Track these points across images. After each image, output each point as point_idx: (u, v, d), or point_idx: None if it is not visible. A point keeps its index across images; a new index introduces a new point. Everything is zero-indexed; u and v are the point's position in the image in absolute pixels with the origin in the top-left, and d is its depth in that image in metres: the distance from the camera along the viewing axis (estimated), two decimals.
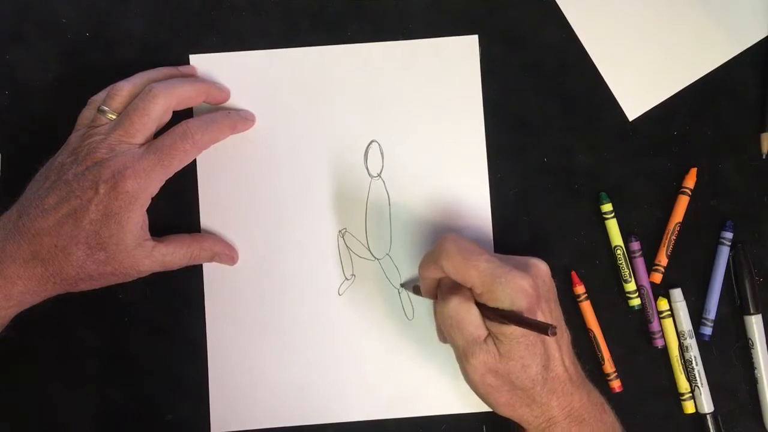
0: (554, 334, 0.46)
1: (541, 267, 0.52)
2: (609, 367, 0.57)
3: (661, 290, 0.58)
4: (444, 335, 0.53)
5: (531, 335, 0.50)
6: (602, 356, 0.57)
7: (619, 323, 0.58)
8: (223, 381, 0.58)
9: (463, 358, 0.51)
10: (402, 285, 0.58)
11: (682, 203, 0.58)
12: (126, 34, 0.60)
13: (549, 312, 0.51)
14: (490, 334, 0.50)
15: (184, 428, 0.58)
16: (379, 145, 0.59)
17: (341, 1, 0.60)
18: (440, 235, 0.58)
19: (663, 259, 0.58)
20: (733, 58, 0.59)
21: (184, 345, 0.58)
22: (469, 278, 0.50)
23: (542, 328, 0.46)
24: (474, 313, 0.50)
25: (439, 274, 0.52)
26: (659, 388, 0.58)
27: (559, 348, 0.51)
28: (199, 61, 0.59)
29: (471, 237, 0.58)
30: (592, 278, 0.58)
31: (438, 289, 0.53)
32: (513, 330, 0.49)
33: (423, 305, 0.58)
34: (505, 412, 0.52)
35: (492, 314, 0.50)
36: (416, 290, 0.56)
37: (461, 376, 0.57)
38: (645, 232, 0.58)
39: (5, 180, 0.59)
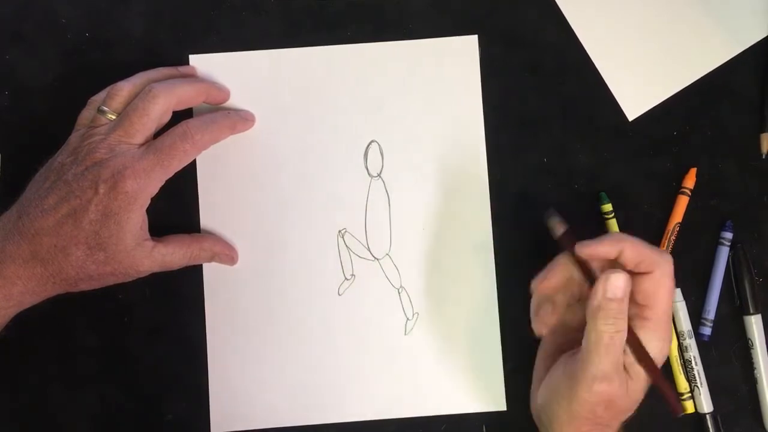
0: (677, 415, 0.47)
1: None
2: None
3: None
4: (540, 325, 0.53)
5: (644, 386, 0.50)
6: None
7: None
8: (223, 381, 0.58)
9: (591, 379, 0.48)
10: (549, 213, 0.53)
11: (682, 203, 0.58)
12: (126, 34, 0.60)
13: None
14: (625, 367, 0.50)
15: (184, 428, 0.58)
16: (379, 145, 0.59)
17: (341, 1, 0.60)
18: (440, 236, 0.58)
19: None
20: (733, 58, 0.59)
21: (184, 345, 0.58)
22: (658, 304, 0.49)
23: (676, 404, 0.48)
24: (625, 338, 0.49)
25: (613, 255, 0.49)
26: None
27: None
28: (199, 61, 0.59)
29: (471, 237, 0.58)
30: None
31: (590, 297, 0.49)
32: (646, 377, 0.49)
33: (423, 305, 0.58)
34: (561, 427, 0.50)
35: (639, 356, 0.49)
36: (561, 238, 0.52)
37: (461, 376, 0.58)
38: (645, 232, 0.58)
39: (5, 180, 0.59)
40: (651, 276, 0.49)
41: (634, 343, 0.49)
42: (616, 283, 0.48)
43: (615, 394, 0.48)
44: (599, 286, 0.48)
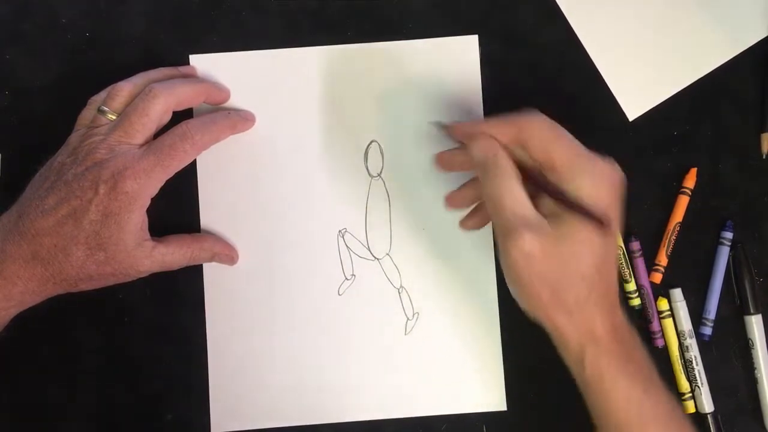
0: (606, 226, 0.45)
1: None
2: None
3: (661, 290, 0.58)
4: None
5: (590, 228, 0.46)
6: None
7: None
8: (223, 381, 0.58)
9: (507, 237, 0.46)
10: (433, 123, 0.56)
11: (682, 203, 0.58)
12: (126, 34, 0.60)
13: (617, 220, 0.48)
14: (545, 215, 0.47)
15: (184, 428, 0.58)
16: (379, 145, 0.59)
17: (341, 1, 0.60)
18: (440, 236, 0.58)
19: (663, 259, 0.58)
20: (733, 58, 0.59)
21: (184, 345, 0.58)
22: (556, 149, 0.47)
23: (600, 219, 0.45)
24: (520, 188, 0.47)
25: (506, 139, 0.48)
26: None
27: (614, 257, 0.48)
28: (199, 61, 0.59)
29: (471, 237, 0.58)
30: None
31: (480, 168, 0.49)
32: (575, 215, 0.47)
33: (423, 305, 0.58)
34: (541, 315, 0.48)
35: (553, 193, 0.47)
36: (443, 129, 0.53)
37: (461, 376, 0.58)
38: (645, 232, 0.58)
39: (5, 180, 0.59)
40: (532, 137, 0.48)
41: (545, 186, 0.48)
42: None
43: (542, 241, 0.46)
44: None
